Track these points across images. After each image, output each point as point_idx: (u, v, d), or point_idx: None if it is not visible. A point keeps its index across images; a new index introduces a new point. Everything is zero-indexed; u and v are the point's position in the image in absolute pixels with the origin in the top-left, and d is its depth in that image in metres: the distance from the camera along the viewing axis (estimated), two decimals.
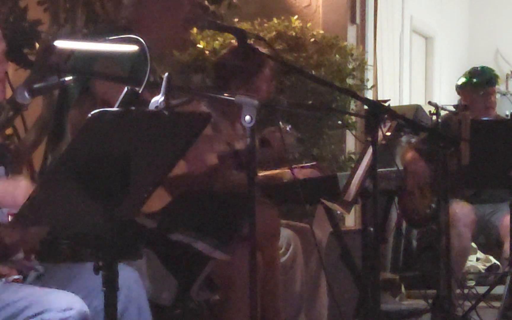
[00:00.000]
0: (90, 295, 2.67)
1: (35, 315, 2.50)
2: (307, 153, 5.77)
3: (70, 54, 3.45)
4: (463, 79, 5.83)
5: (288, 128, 4.01)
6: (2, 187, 2.61)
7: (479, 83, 5.72)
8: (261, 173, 4.07)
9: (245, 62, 4.02)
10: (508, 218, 4.83)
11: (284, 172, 4.13)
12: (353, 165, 5.14)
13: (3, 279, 2.66)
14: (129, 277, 2.72)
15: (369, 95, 6.69)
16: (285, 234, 4.17)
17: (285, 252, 4.14)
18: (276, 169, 4.18)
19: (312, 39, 6.17)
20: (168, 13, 3.55)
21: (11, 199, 2.53)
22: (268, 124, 3.96)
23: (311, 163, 4.45)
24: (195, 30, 5.72)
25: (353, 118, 6.17)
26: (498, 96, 6.65)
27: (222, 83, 4.11)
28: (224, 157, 3.68)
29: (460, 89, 5.82)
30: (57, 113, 3.51)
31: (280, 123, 3.98)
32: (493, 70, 5.93)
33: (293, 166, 4.18)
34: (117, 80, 3.02)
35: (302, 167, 4.34)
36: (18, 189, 2.54)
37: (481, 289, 5.35)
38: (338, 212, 4.30)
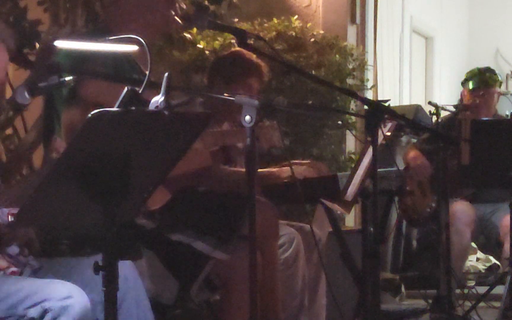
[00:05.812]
0: (87, 287, 2.67)
1: (35, 304, 2.50)
2: (307, 153, 5.77)
3: (55, 54, 3.46)
4: (464, 79, 5.83)
5: (271, 123, 4.02)
6: None
7: (479, 83, 5.72)
8: (259, 171, 4.06)
9: (230, 67, 4.19)
10: (508, 218, 4.83)
11: (281, 169, 4.14)
12: (353, 165, 5.14)
13: (1, 272, 2.66)
14: (124, 267, 2.71)
15: (369, 95, 6.69)
16: (288, 230, 4.19)
17: (287, 248, 4.15)
18: (273, 166, 4.19)
19: (312, 39, 6.17)
20: (142, 12, 3.56)
21: None
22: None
23: (306, 162, 4.45)
24: (195, 30, 5.72)
25: (353, 118, 6.17)
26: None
27: (209, 81, 4.31)
28: (215, 154, 3.72)
29: (462, 88, 5.84)
30: (45, 113, 3.53)
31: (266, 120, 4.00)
32: (492, 70, 5.92)
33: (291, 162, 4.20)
34: (112, 80, 3.02)
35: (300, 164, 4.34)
36: None
37: (481, 289, 5.35)
38: (338, 212, 4.30)
